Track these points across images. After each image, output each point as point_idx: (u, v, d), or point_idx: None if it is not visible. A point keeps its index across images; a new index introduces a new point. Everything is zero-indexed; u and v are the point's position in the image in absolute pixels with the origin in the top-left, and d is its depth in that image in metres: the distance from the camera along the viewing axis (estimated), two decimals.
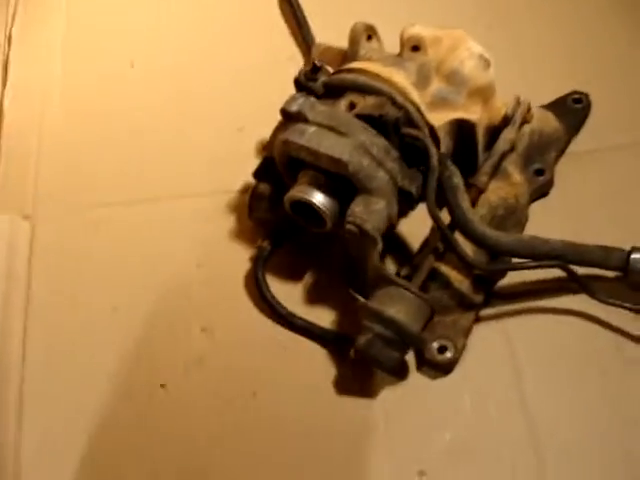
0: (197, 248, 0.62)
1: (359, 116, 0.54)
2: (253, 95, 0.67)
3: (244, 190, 0.63)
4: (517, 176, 0.60)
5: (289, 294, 0.60)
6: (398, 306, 0.52)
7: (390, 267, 0.61)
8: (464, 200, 0.53)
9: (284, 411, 0.55)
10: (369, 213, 0.53)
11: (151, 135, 0.68)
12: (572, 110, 0.66)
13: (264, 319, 0.59)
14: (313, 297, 0.60)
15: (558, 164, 0.64)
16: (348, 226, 0.53)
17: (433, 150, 0.53)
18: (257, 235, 0.62)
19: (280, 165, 0.57)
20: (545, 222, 0.63)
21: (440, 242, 0.55)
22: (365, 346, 0.52)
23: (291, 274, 0.61)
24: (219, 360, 0.58)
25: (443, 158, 0.54)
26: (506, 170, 0.60)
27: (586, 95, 0.66)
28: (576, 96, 0.66)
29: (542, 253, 0.55)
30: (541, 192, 0.63)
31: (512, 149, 0.60)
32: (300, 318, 0.58)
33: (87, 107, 0.69)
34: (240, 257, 0.61)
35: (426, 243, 0.57)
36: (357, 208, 0.53)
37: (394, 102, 0.54)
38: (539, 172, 0.63)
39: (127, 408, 0.56)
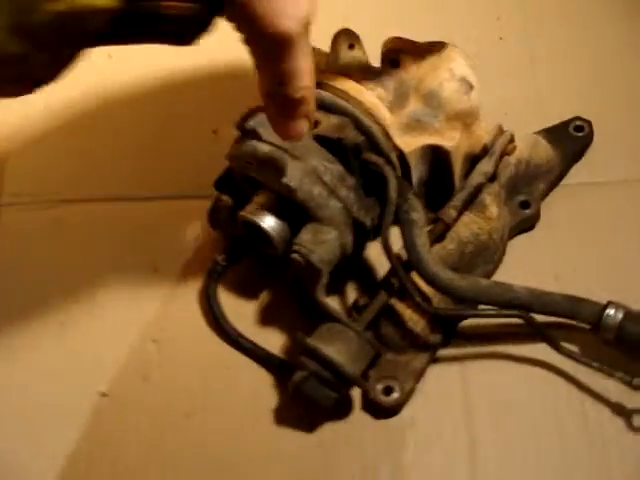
0: (156, 254, 0.59)
1: (318, 137, 0.50)
2: (231, 95, 0.63)
3: (200, 197, 0.59)
4: (494, 209, 0.55)
5: (243, 312, 0.57)
6: (338, 344, 0.49)
7: (351, 294, 0.58)
8: (420, 236, 0.49)
9: (216, 436, 0.53)
10: (317, 243, 0.49)
11: (122, 133, 0.65)
12: (572, 138, 0.60)
13: (213, 336, 0.56)
14: (267, 318, 0.57)
15: (549, 196, 0.60)
16: (294, 255, 0.49)
17: (392, 180, 0.50)
18: (220, 246, 0.60)
19: (239, 179, 0.54)
20: (525, 259, 0.58)
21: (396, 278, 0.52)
22: (300, 383, 0.49)
23: (248, 291, 0.58)
24: (162, 374, 0.55)
25: (404, 189, 0.50)
26: (483, 202, 0.55)
27: (589, 123, 0.61)
28: (578, 123, 0.61)
29: (503, 301, 0.50)
30: (525, 226, 0.58)
31: (493, 179, 0.56)
32: (247, 339, 0.55)
33: (62, 97, 0.66)
34: (200, 267, 0.59)
35: (386, 277, 0.54)
36: (305, 237, 0.50)
37: (358, 124, 0.51)
38: (524, 205, 0.58)
39: (64, 413, 0.54)
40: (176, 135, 0.64)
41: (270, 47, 0.42)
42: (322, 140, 0.50)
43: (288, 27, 0.41)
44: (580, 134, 0.61)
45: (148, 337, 0.56)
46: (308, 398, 0.50)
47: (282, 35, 0.41)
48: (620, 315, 0.51)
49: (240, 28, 0.43)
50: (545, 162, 0.58)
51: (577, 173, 0.61)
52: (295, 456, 0.52)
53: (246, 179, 0.53)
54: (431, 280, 0.49)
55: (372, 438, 0.52)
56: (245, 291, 0.58)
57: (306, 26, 0.42)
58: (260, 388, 0.54)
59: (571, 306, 0.51)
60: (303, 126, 0.46)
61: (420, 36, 0.58)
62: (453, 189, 0.55)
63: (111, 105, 0.66)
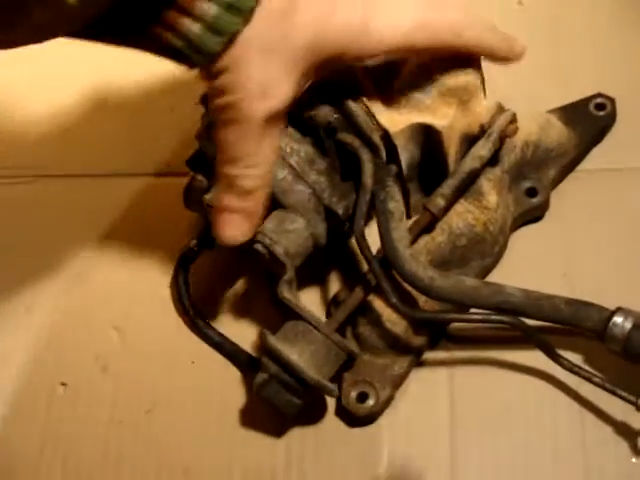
0: (126, 234, 0.55)
1: (288, 114, 0.45)
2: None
3: (177, 174, 0.55)
4: (492, 198, 0.49)
5: (215, 301, 0.53)
6: (301, 346, 0.44)
7: (333, 285, 0.53)
8: (397, 229, 0.44)
9: (177, 435, 0.49)
10: (282, 233, 0.44)
11: (78, 107, 0.60)
12: (592, 117, 0.54)
13: (180, 326, 0.52)
14: (242, 309, 0.52)
15: (561, 183, 0.53)
16: (256, 246, 0.44)
17: (367, 165, 0.44)
18: (198, 227, 0.55)
19: (210, 159, 0.49)
20: (530, 254, 0.52)
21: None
22: (260, 386, 0.45)
23: (222, 278, 0.53)
24: (124, 365, 0.52)
25: (382, 175, 0.44)
26: (480, 190, 0.49)
27: (612, 101, 0.54)
28: (600, 100, 0.54)
29: (491, 304, 0.44)
30: (532, 216, 0.52)
31: (494, 163, 0.49)
32: (216, 332, 0.51)
33: (45, 76, 0.62)
34: (172, 249, 0.54)
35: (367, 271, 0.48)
36: (268, 226, 0.44)
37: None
38: (531, 192, 0.52)
39: (24, 403, 0.51)
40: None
41: (233, 121, 0.40)
42: (291, 118, 0.44)
43: (257, 110, 0.40)
44: (601, 113, 0.54)
45: (110, 323, 0.53)
46: (270, 403, 0.45)
47: (249, 119, 0.40)
48: (629, 324, 0.44)
49: (211, 93, 0.40)
50: (557, 145, 0.52)
51: (595, 158, 0.54)
52: (260, 463, 0.48)
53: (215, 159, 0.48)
54: (409, 279, 0.44)
55: (344, 448, 0.47)
56: (219, 278, 0.53)
57: (277, 115, 0.41)
58: (228, 386, 0.50)
59: (572, 312, 0.44)
60: (242, 229, 0.43)
61: None
62: (447, 175, 0.49)
63: (84, 84, 0.61)
